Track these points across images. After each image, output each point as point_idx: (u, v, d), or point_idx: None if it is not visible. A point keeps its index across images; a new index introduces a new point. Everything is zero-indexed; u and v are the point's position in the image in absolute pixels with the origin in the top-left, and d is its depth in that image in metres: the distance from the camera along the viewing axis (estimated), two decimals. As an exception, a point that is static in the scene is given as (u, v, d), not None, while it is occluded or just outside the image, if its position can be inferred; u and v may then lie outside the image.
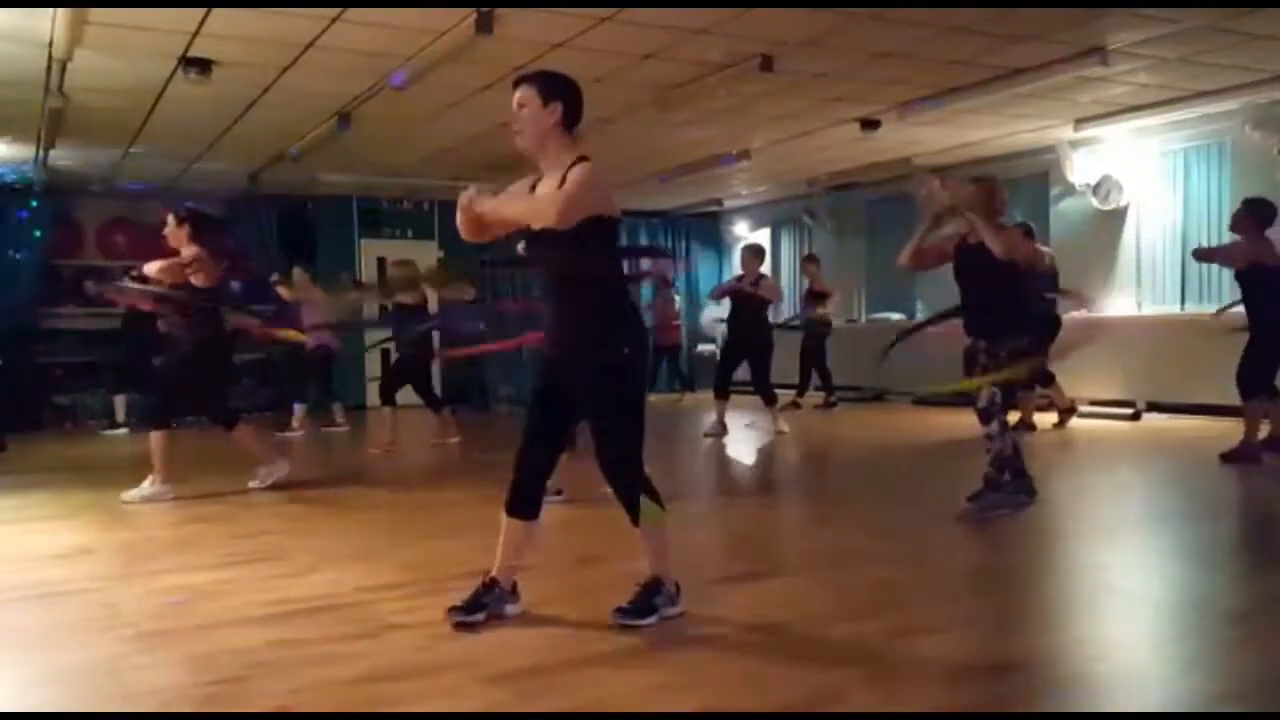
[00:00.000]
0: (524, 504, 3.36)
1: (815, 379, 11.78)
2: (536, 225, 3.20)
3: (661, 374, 14.52)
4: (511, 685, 2.79)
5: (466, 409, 10.12)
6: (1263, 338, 6.55)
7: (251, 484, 6.33)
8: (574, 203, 3.12)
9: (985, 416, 5.07)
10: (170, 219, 6.17)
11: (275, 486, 6.32)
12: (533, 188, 3.33)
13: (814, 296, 11.71)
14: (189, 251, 6.08)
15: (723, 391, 8.93)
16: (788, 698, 2.67)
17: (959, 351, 5.27)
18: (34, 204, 11.63)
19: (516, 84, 3.30)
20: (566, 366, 3.31)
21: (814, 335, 11.66)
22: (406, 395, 8.89)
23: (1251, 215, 6.63)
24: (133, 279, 6.73)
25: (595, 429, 3.31)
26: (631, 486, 3.29)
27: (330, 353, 10.31)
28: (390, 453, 8.34)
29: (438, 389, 9.69)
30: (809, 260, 12.16)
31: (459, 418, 9.42)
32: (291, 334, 9.18)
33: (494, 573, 3.39)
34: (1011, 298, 5.10)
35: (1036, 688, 2.73)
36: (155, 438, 6.08)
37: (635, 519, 3.31)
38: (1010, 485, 5.11)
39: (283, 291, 10.29)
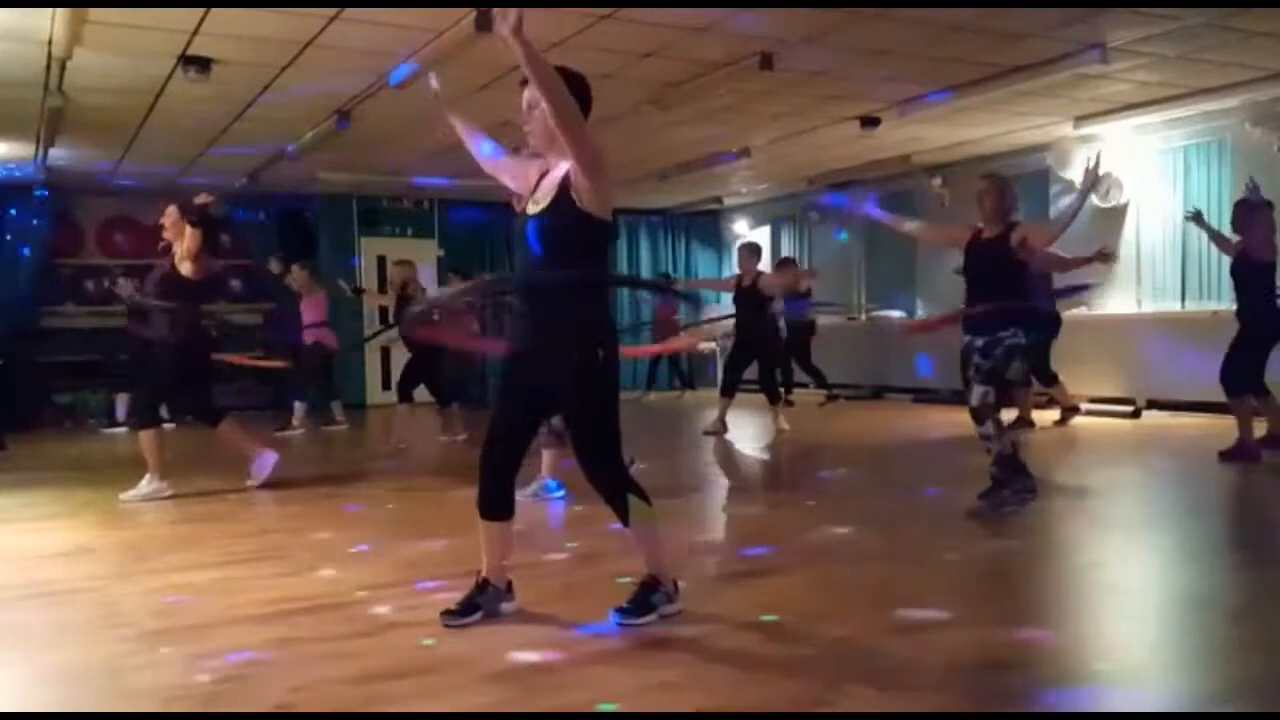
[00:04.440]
0: (495, 505, 3.33)
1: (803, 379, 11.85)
2: (553, 110, 3.02)
3: (662, 373, 14.54)
4: (511, 684, 2.79)
5: (466, 406, 10.12)
6: (1250, 334, 6.56)
7: (249, 482, 6.34)
8: (586, 138, 3.08)
9: (978, 416, 5.07)
10: (172, 209, 6.17)
11: (275, 484, 6.33)
12: (540, 178, 3.33)
13: (799, 297, 11.66)
14: (188, 239, 6.08)
15: (729, 390, 8.93)
16: (788, 697, 2.67)
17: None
18: (33, 203, 11.62)
19: (525, 82, 3.28)
20: (537, 366, 3.26)
21: (799, 335, 11.65)
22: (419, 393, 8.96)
23: (1247, 211, 6.66)
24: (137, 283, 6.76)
25: (572, 431, 3.31)
26: (614, 485, 3.29)
27: (328, 351, 10.32)
28: (401, 451, 8.36)
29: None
30: (785, 263, 12.15)
31: (463, 414, 9.44)
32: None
33: (484, 573, 3.39)
34: (1017, 295, 5.11)
35: (1036, 687, 2.73)
36: (145, 436, 6.10)
37: (625, 520, 3.31)
38: (1016, 482, 5.11)
39: (292, 285, 10.33)
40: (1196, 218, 7.13)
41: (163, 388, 6.26)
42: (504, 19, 2.83)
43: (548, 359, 3.23)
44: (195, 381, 6.30)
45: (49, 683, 2.95)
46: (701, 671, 2.88)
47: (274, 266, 10.84)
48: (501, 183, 3.60)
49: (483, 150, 3.58)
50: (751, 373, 9.03)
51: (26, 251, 11.69)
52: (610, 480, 3.29)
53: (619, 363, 3.34)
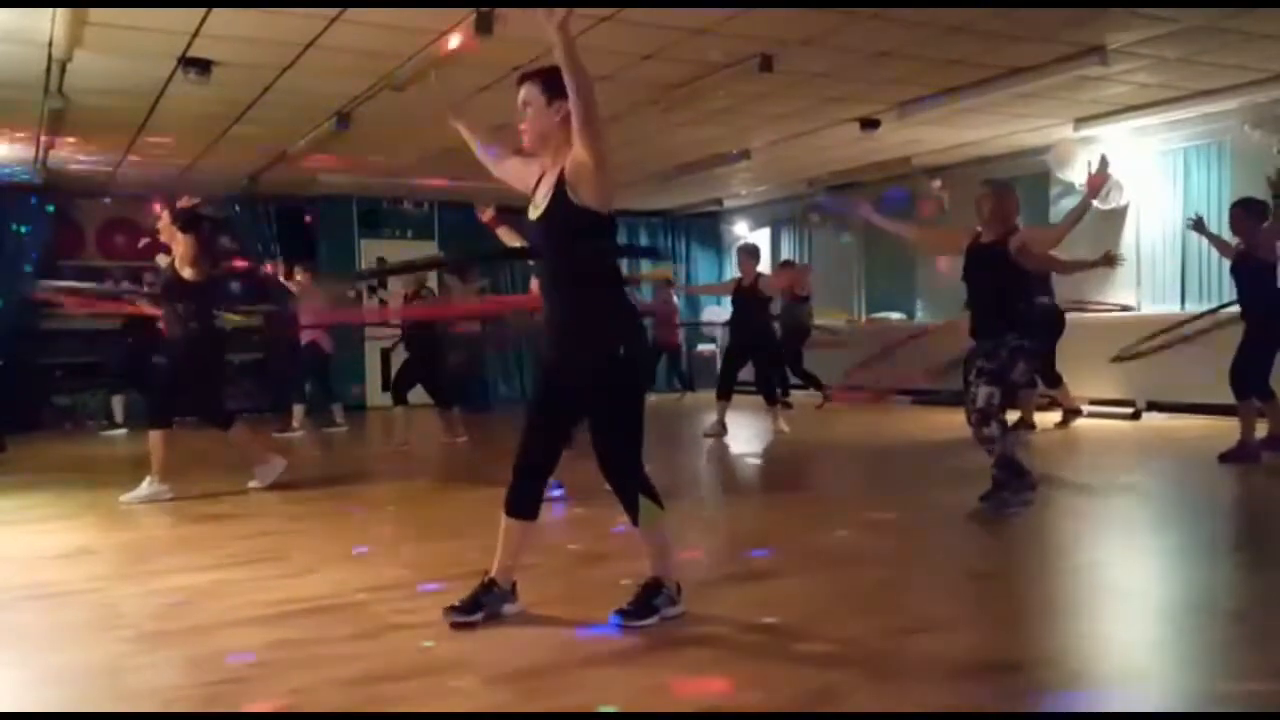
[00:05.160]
0: (523, 504, 3.35)
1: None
2: (581, 107, 3.05)
3: (661, 374, 14.54)
4: (511, 685, 2.79)
5: (467, 408, 10.13)
6: (1258, 335, 6.57)
7: (251, 484, 6.35)
8: (603, 137, 3.10)
9: (984, 417, 5.07)
10: (165, 215, 6.21)
11: (275, 486, 6.33)
12: (538, 182, 3.34)
13: (796, 300, 11.63)
14: (181, 245, 6.12)
15: (725, 393, 8.94)
16: (788, 698, 2.67)
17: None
18: (34, 204, 11.62)
19: (521, 81, 3.29)
20: (565, 366, 3.30)
21: (793, 338, 11.62)
22: (416, 394, 9.01)
23: (1250, 214, 6.68)
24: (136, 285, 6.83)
25: (594, 429, 3.30)
26: (630, 486, 3.29)
27: (324, 353, 10.34)
28: (404, 451, 8.39)
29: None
30: (785, 266, 12.13)
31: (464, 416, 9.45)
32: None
33: (492, 573, 3.39)
34: (1018, 298, 5.11)
35: (1036, 688, 2.72)
36: (154, 437, 6.09)
37: (635, 519, 3.32)
38: (1015, 484, 5.11)
39: (290, 285, 10.37)
40: (1198, 225, 7.14)
41: (172, 387, 6.27)
42: (550, 15, 2.90)
43: (571, 359, 3.26)
44: (204, 383, 6.31)
45: (49, 683, 2.95)
46: (701, 673, 2.88)
47: (271, 267, 10.87)
48: (508, 183, 3.61)
49: (489, 152, 3.64)
50: (748, 374, 9.03)
51: (26, 253, 11.68)
52: (627, 479, 3.29)
53: (644, 359, 3.35)
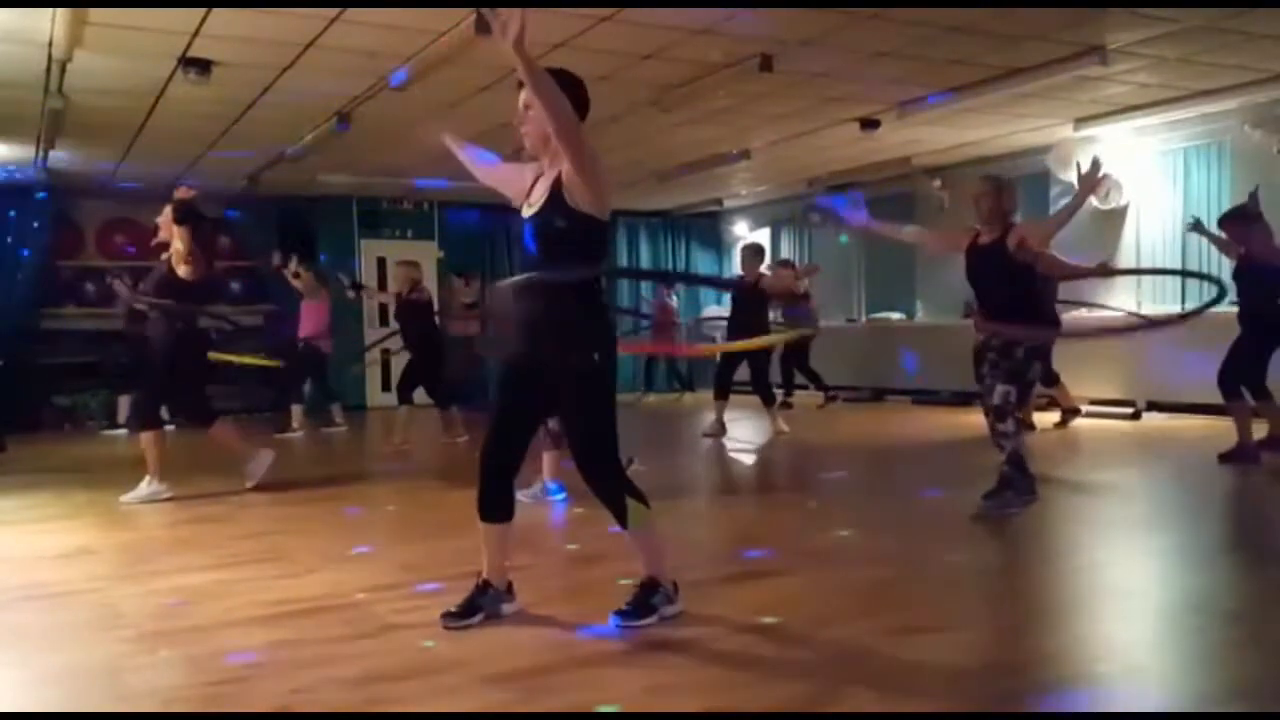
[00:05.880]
0: (495, 506, 3.33)
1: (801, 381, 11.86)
2: (552, 119, 3.04)
3: (661, 374, 14.53)
4: (511, 685, 2.79)
5: (466, 408, 10.13)
6: (1257, 338, 6.58)
7: (248, 484, 6.33)
8: (583, 146, 3.08)
9: (1000, 414, 5.06)
10: (166, 211, 6.19)
11: (274, 485, 6.32)
12: (534, 183, 3.33)
13: (797, 299, 11.61)
14: (177, 238, 6.11)
15: (723, 392, 8.95)
16: (788, 698, 2.67)
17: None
18: (34, 205, 11.62)
19: (522, 84, 3.29)
20: (535, 367, 3.27)
21: (798, 338, 11.60)
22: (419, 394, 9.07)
23: (1241, 222, 6.72)
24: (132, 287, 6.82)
25: (569, 434, 3.31)
26: (612, 489, 3.28)
27: (321, 354, 10.33)
28: (404, 451, 8.41)
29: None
30: (783, 265, 12.10)
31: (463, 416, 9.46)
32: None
33: (485, 575, 3.39)
34: (1027, 296, 5.11)
35: (1036, 688, 2.73)
36: (145, 438, 6.10)
37: (623, 522, 3.31)
38: (1019, 484, 5.11)
39: (296, 284, 10.38)
40: (1196, 227, 7.16)
41: (157, 388, 6.26)
42: (504, 32, 2.82)
43: (545, 361, 3.24)
44: (188, 382, 6.28)
45: (49, 683, 2.95)
46: (701, 673, 2.88)
47: (275, 259, 10.87)
48: (500, 191, 3.60)
49: (479, 161, 3.59)
50: (744, 374, 9.03)
51: (27, 253, 11.67)
52: (608, 483, 3.29)
53: (616, 366, 3.34)
